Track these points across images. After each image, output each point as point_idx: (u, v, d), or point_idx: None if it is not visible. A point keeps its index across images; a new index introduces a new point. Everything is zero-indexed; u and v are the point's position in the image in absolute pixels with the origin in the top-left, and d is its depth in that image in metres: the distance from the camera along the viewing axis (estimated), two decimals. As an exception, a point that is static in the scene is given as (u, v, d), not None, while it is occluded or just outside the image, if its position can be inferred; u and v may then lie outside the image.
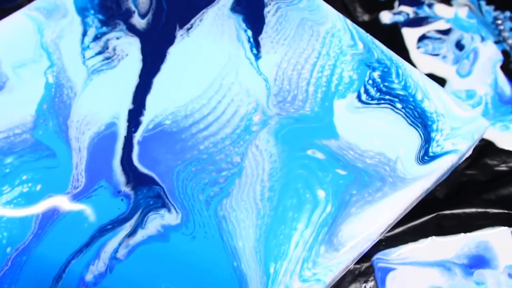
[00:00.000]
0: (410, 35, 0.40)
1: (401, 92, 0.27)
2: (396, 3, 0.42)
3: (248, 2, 0.32)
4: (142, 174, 0.25)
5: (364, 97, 0.27)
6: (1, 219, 0.25)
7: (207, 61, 0.29)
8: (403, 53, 0.39)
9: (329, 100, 0.27)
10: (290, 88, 0.27)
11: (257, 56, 0.29)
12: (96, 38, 0.31)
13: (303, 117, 0.26)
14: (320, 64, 0.28)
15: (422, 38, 0.39)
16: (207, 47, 0.30)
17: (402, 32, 0.40)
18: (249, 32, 0.30)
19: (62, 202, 0.25)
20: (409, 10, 0.41)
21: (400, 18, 0.41)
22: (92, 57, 0.30)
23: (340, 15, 0.30)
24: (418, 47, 0.39)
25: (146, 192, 0.25)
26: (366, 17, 0.41)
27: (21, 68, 0.30)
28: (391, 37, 0.40)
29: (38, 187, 0.25)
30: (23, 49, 0.31)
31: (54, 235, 0.24)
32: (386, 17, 0.41)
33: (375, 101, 0.26)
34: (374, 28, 0.40)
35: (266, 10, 0.31)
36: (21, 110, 0.28)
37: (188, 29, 0.31)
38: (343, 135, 0.25)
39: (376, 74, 0.27)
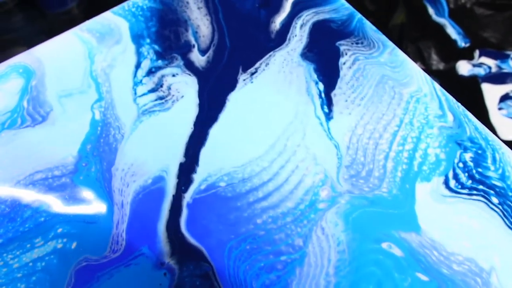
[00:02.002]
0: (490, 92, 0.35)
1: (498, 183, 0.23)
2: (477, 53, 0.38)
3: (321, 48, 0.28)
4: (190, 245, 0.22)
5: (452, 183, 0.23)
6: (30, 278, 0.22)
7: (271, 115, 0.26)
8: (481, 113, 0.35)
9: (410, 182, 0.23)
10: (365, 160, 0.24)
11: (329, 116, 0.26)
12: (150, 72, 0.28)
13: (379, 199, 0.23)
14: (402, 135, 0.24)
15: (505, 98, 0.35)
16: (272, 98, 0.27)
17: (481, 88, 0.36)
18: (321, 86, 0.27)
19: (98, 268, 0.22)
20: (491, 63, 0.37)
21: (480, 71, 0.36)
22: (144, 94, 0.28)
23: (427, 76, 0.26)
24: (500, 109, 0.35)
25: (192, 269, 0.22)
26: (441, 66, 0.37)
27: (67, 98, 0.28)
28: (469, 93, 0.36)
29: (74, 244, 0.23)
30: (71, 76, 0.29)
31: (86, 306, 0.21)
32: (464, 68, 0.37)
33: (466, 191, 0.23)
34: (450, 80, 0.36)
35: (341, 60, 0.28)
36: (63, 148, 0.26)
37: (252, 73, 0.28)
38: (426, 230, 0.22)
39: (468, 156, 0.24)
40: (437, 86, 0.26)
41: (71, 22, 0.48)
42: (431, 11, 0.39)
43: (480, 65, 0.37)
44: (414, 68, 0.27)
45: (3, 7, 0.48)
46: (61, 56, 0.30)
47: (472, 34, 0.39)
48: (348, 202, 0.23)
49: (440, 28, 0.39)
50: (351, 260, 0.21)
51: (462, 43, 0.39)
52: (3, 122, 0.27)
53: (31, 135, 0.27)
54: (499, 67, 0.36)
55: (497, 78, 0.36)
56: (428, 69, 0.36)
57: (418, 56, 0.37)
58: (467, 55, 0.38)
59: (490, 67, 0.36)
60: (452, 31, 0.39)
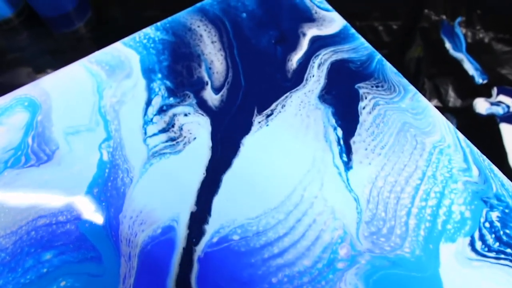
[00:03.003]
0: (509, 133, 0.34)
1: (527, 247, 0.22)
2: (495, 91, 0.37)
3: (340, 90, 0.27)
4: (200, 305, 0.21)
5: (478, 245, 0.22)
6: (31, 336, 0.21)
7: (287, 162, 0.25)
8: (499, 155, 0.34)
9: (434, 242, 0.22)
10: (386, 216, 0.23)
11: (348, 166, 0.24)
12: (162, 110, 0.27)
13: (401, 260, 0.22)
14: (424, 189, 0.23)
15: (525, 139, 0.34)
16: (288, 143, 0.25)
17: (500, 128, 0.35)
18: (339, 131, 0.26)
19: (103, 327, 0.21)
20: (509, 102, 0.36)
21: (499, 110, 0.35)
22: (155, 134, 0.26)
23: (451, 125, 0.25)
24: (519, 151, 0.34)
25: (203, 332, 0.21)
26: (458, 103, 0.36)
27: (74, 136, 0.27)
28: (486, 133, 0.35)
29: (78, 300, 0.22)
30: (79, 112, 0.28)
31: None
32: (481, 106, 0.36)
33: (493, 254, 0.22)
34: (467, 118, 0.35)
35: (361, 104, 0.26)
36: (69, 191, 0.25)
37: (268, 115, 0.27)
38: (452, 297, 0.21)
39: (494, 216, 0.22)
40: (461, 136, 0.25)
41: (78, 42, 0.47)
42: (448, 45, 0.38)
43: (498, 103, 0.36)
44: (436, 116, 0.26)
45: (8, 24, 0.47)
46: (69, 90, 0.29)
47: (489, 71, 0.38)
48: (369, 263, 0.22)
49: (458, 64, 0.38)
50: (372, 328, 0.20)
51: (479, 80, 0.38)
52: (6, 160, 0.26)
53: (36, 176, 0.25)
54: (518, 106, 0.35)
55: (516, 118, 0.35)
56: (445, 106, 0.35)
57: (435, 93, 0.36)
58: (484, 92, 0.37)
59: (508, 106, 0.35)
60: (470, 67, 0.38)
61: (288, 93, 0.27)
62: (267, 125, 0.26)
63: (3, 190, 0.25)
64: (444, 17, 0.40)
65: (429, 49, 0.38)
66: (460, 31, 0.39)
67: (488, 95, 0.37)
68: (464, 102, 0.36)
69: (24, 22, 0.48)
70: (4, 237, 0.23)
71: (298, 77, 0.28)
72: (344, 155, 0.25)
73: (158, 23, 0.31)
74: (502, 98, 0.36)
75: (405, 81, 0.27)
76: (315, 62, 0.28)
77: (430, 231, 0.22)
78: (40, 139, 0.27)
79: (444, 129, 0.25)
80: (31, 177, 0.25)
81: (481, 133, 0.35)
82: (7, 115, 0.28)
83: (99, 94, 0.28)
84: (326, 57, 0.29)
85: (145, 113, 0.27)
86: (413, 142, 0.25)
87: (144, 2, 0.48)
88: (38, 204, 0.24)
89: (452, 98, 0.36)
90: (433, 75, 0.37)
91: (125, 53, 0.30)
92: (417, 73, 0.37)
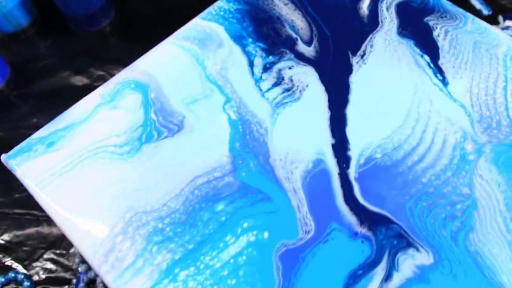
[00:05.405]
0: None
1: None
2: (501, 19, 0.43)
3: (413, 26, 0.31)
4: (373, 213, 0.24)
5: None
6: (237, 273, 0.23)
7: (394, 90, 0.29)
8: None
9: (535, 124, 0.27)
10: (490, 114, 0.27)
11: (444, 82, 0.29)
12: (266, 68, 0.30)
13: (515, 143, 0.26)
14: (511, 88, 0.28)
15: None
16: (388, 75, 0.29)
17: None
18: (427, 58, 0.30)
19: (299, 250, 0.23)
20: (516, 25, 0.43)
21: (509, 32, 0.42)
22: (270, 89, 0.29)
23: (510, 37, 0.31)
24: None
25: (385, 232, 0.24)
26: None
27: (194, 104, 0.28)
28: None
29: (266, 234, 0.24)
30: (189, 84, 0.29)
31: (304, 286, 0.22)
32: (496, 32, 0.42)
33: None
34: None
35: (435, 33, 0.31)
36: (212, 151, 0.27)
37: (362, 56, 0.30)
38: None
39: None
40: (521, 43, 0.30)
41: (107, 39, 0.47)
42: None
43: (507, 27, 0.42)
44: (497, 32, 0.31)
45: (25, 33, 0.46)
46: (169, 66, 0.30)
47: (491, 3, 0.44)
48: (492, 150, 0.26)
49: (465, 1, 0.44)
50: (516, 196, 0.25)
51: (486, 12, 0.44)
52: (139, 137, 0.27)
53: (174, 145, 0.27)
54: (524, 27, 0.42)
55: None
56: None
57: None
58: (493, 21, 0.43)
59: (516, 29, 0.42)
60: (476, 2, 0.44)
61: (370, 35, 0.31)
62: (365, 64, 0.30)
63: (149, 163, 0.26)
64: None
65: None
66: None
67: (496, 23, 0.43)
68: (480, 31, 0.42)
69: (39, 30, 0.47)
70: (171, 200, 0.25)
71: (373, 21, 0.32)
72: (438, 75, 0.29)
73: (230, -5, 0.33)
74: (509, 23, 0.43)
75: (461, 10, 0.32)
76: (383, 6, 0.32)
77: (528, 117, 0.27)
78: (163, 113, 0.28)
79: (507, 40, 0.30)
80: (170, 147, 0.27)
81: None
82: (118, 99, 0.29)
83: (201, 65, 0.30)
84: (389, 1, 0.33)
85: (253, 73, 0.30)
86: (487, 55, 0.30)
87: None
88: (189, 168, 0.26)
89: (472, 29, 0.42)
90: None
91: (208, 26, 0.32)
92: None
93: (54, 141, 0.27)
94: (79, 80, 0.43)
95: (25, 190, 0.39)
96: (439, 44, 0.30)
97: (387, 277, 0.23)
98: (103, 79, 0.43)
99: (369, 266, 0.23)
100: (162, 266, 0.23)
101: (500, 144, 0.26)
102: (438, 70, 0.29)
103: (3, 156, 0.27)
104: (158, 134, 0.27)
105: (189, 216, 0.24)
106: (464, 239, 0.24)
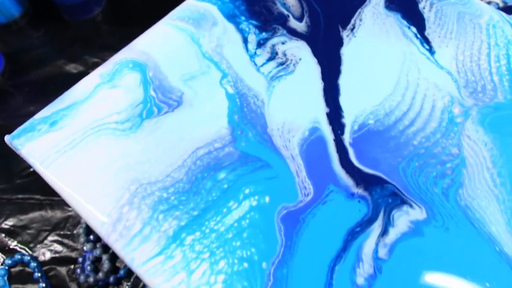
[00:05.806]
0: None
1: None
2: None
3: (400, 0, 0.33)
4: (368, 175, 0.26)
5: (547, 82, 0.29)
6: (241, 235, 0.24)
7: (383, 60, 0.30)
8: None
9: (517, 87, 0.28)
10: (475, 79, 0.29)
11: (431, 51, 0.30)
12: (260, 44, 0.31)
13: (500, 105, 0.28)
14: (494, 54, 0.30)
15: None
16: (377, 46, 0.30)
17: (498, 21, 0.43)
18: (413, 29, 0.31)
19: (299, 211, 0.25)
20: (497, 0, 0.44)
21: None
22: (264, 64, 0.30)
23: (491, 7, 0.32)
24: None
25: (380, 192, 0.25)
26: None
27: (192, 81, 0.29)
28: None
29: (267, 199, 0.25)
30: (186, 61, 0.30)
31: (305, 244, 0.24)
32: None
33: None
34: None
35: (420, 6, 0.32)
36: (212, 123, 0.28)
37: (352, 29, 0.31)
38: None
39: (549, 60, 0.30)
40: (503, 13, 0.32)
41: (99, 27, 0.47)
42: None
43: (489, 3, 0.44)
44: (480, 3, 0.32)
45: (17, 24, 0.46)
46: (165, 46, 0.31)
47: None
48: (478, 112, 0.27)
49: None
50: (501, 153, 0.26)
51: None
52: (140, 113, 0.28)
53: (175, 119, 0.28)
54: (505, 2, 0.44)
55: (506, 10, 0.43)
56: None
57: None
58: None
59: (497, 4, 0.44)
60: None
61: (359, 9, 0.32)
62: (355, 36, 0.31)
63: (151, 137, 0.27)
64: None
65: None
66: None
67: None
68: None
69: (31, 21, 0.47)
70: (174, 171, 0.26)
71: (361, -4, 0.33)
72: (425, 44, 0.30)
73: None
74: (492, -2, 0.44)
75: (445, -18, 0.33)
76: (370, -18, 0.33)
77: (511, 81, 0.29)
78: (162, 90, 0.29)
79: (490, 11, 0.32)
80: (170, 121, 0.28)
81: None
82: (118, 79, 0.30)
83: (197, 44, 0.31)
84: (376, -23, 0.34)
85: (247, 49, 0.31)
86: (471, 24, 0.31)
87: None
88: (190, 140, 0.27)
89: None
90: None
91: (202, 6, 0.33)
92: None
93: (57, 120, 0.28)
94: (74, 68, 0.43)
95: (26, 175, 0.40)
96: (425, 15, 0.32)
97: (384, 232, 0.24)
98: (98, 66, 0.44)
99: (366, 223, 0.24)
100: (169, 232, 0.24)
101: (485, 106, 0.28)
102: (425, 40, 0.31)
103: (7, 136, 0.28)
104: (158, 110, 0.28)
105: (192, 185, 0.25)
106: (455, 195, 0.25)
